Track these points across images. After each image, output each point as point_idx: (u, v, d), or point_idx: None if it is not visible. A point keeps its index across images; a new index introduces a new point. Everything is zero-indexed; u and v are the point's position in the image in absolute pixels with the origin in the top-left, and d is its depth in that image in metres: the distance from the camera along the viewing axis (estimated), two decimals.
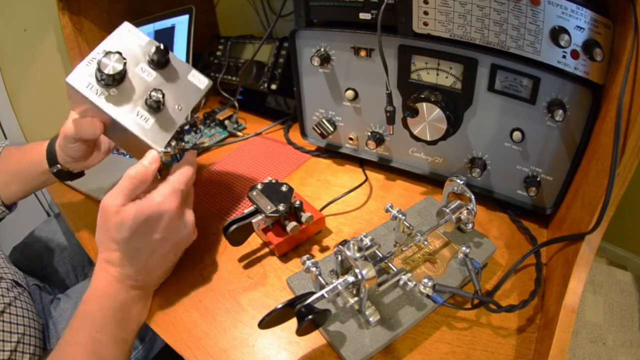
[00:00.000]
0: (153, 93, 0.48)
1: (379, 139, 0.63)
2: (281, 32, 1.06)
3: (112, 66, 0.47)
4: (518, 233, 0.54)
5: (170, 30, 0.93)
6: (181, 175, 0.47)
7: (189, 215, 0.49)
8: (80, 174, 0.60)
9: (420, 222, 0.54)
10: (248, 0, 1.16)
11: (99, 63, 0.47)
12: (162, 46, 0.49)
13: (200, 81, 0.52)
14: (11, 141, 0.68)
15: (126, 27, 0.52)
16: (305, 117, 0.72)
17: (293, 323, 0.38)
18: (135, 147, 0.50)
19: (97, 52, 0.49)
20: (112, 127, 0.49)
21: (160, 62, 0.50)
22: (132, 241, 0.44)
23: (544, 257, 0.50)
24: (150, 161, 0.46)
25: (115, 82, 0.48)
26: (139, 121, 0.49)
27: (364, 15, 0.54)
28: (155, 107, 0.48)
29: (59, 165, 0.56)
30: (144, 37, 0.52)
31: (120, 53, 0.48)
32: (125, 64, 0.47)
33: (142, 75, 0.50)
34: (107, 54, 0.47)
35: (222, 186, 0.70)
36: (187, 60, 0.90)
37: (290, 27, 0.62)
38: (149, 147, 0.48)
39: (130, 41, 0.51)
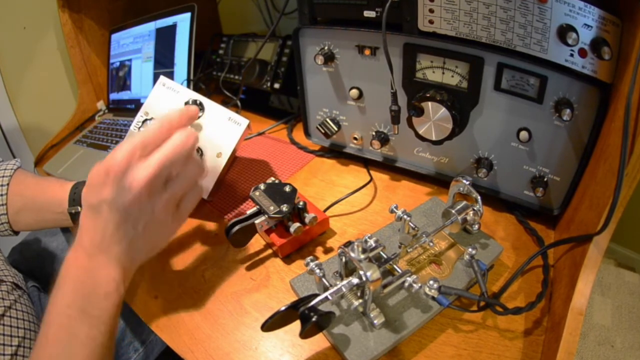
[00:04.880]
0: None
1: (383, 139, 0.62)
2: (284, 30, 1.05)
3: None
4: (525, 234, 0.54)
5: (172, 29, 0.93)
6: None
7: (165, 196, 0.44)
8: None
9: (426, 223, 0.53)
10: None
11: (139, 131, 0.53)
12: (190, 101, 0.53)
13: (237, 123, 0.54)
14: (11, 140, 0.68)
15: (161, 81, 0.57)
16: (309, 117, 0.71)
17: (296, 325, 0.38)
18: None
19: (141, 115, 0.56)
20: None
21: None
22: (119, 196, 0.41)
23: (551, 258, 0.49)
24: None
25: None
26: None
27: (369, 13, 0.54)
28: None
29: (79, 208, 0.56)
30: (179, 89, 0.56)
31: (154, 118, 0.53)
32: None
33: None
34: (145, 121, 0.53)
35: (224, 186, 0.69)
36: (189, 59, 0.89)
37: (294, 25, 0.62)
38: None
39: (167, 97, 0.56)
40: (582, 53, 0.41)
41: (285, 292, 0.49)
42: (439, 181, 0.62)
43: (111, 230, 0.42)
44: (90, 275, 0.42)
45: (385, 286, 0.42)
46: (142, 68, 1.00)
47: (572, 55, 0.42)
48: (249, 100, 0.96)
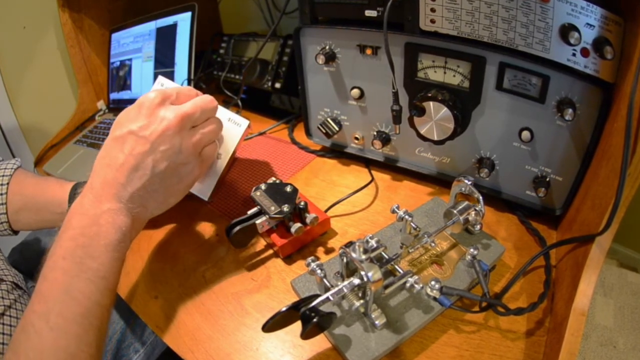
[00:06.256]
0: None
1: (385, 139, 0.62)
2: (285, 30, 1.06)
3: None
4: (527, 234, 0.53)
5: (173, 28, 0.93)
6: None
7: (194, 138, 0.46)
8: None
9: (427, 223, 0.53)
10: None
11: None
12: None
13: (237, 123, 0.54)
14: (11, 140, 0.68)
15: (160, 81, 0.57)
16: (310, 116, 0.71)
17: (297, 326, 0.38)
18: None
19: None
20: None
21: None
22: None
23: (553, 259, 0.49)
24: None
25: None
26: None
27: (370, 13, 0.54)
28: None
29: None
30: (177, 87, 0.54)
31: None
32: None
33: None
34: None
35: (225, 187, 0.69)
36: (190, 58, 0.89)
37: (295, 25, 0.62)
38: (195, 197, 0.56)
39: None
40: (585, 52, 0.41)
41: (286, 293, 0.49)
42: (440, 181, 0.62)
43: (131, 165, 0.41)
44: (94, 221, 0.39)
45: (386, 287, 0.42)
46: (142, 68, 1.00)
47: (574, 54, 0.42)
48: (250, 99, 0.96)
